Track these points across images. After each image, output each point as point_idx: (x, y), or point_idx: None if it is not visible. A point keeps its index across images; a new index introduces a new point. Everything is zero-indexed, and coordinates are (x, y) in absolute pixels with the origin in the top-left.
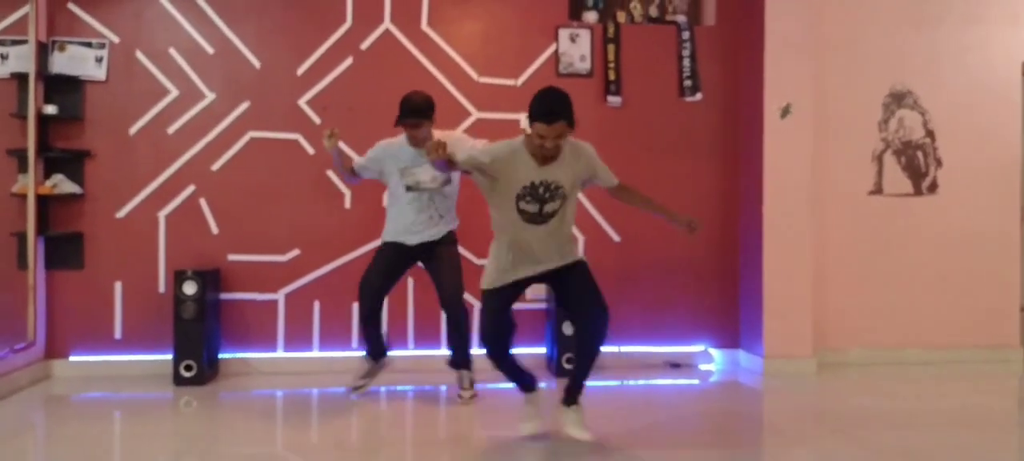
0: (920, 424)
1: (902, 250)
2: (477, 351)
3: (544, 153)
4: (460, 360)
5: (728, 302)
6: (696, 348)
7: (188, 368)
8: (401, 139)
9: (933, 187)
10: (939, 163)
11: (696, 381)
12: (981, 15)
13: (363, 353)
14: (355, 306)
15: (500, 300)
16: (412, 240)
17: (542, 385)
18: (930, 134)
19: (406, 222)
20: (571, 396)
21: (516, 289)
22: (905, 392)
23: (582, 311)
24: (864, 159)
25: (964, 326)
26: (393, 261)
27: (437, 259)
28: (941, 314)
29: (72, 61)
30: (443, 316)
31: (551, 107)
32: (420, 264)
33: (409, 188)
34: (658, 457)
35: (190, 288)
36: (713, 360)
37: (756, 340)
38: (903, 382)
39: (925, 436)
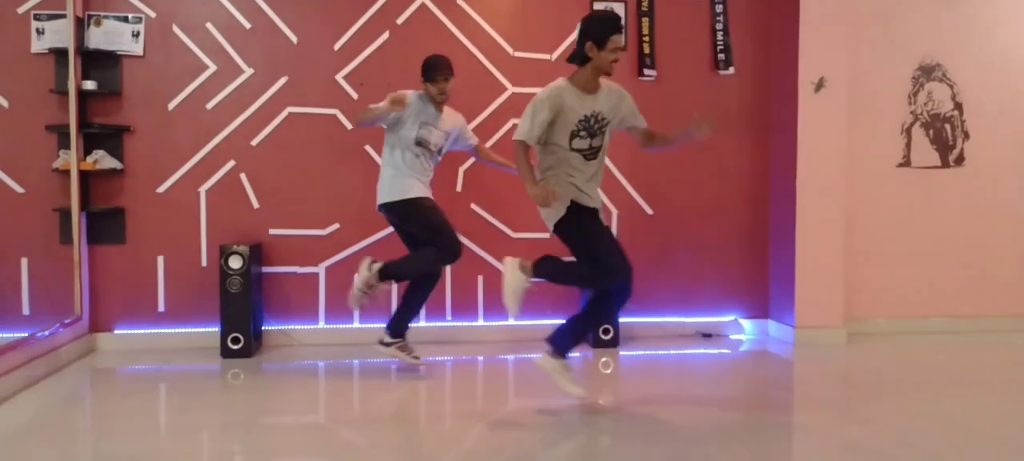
0: (952, 392)
1: (929, 221)
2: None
3: (609, 74)
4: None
5: (758, 273)
6: (727, 318)
7: (235, 341)
8: (422, 94)
9: (960, 159)
10: (966, 136)
11: (727, 351)
12: None
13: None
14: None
15: (592, 225)
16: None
17: (577, 354)
18: (958, 107)
19: (420, 176)
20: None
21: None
22: (935, 360)
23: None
24: (893, 132)
25: (988, 296)
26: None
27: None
28: (966, 284)
29: (108, 36)
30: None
31: (618, 20)
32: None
33: (418, 142)
34: (705, 420)
35: (236, 262)
36: (743, 330)
37: (787, 310)
38: (932, 351)
39: (956, 403)
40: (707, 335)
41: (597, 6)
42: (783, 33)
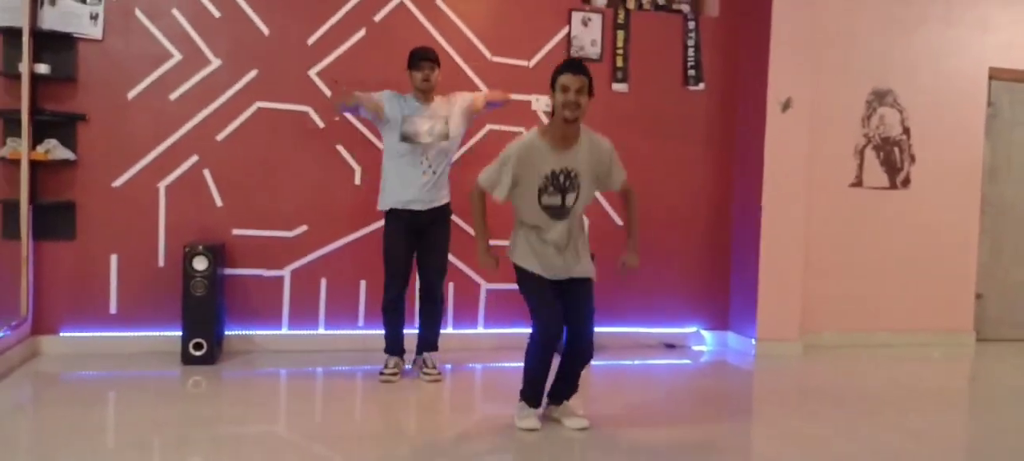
0: (904, 404)
1: (876, 240)
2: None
3: (566, 118)
4: (429, 341)
5: (719, 285)
6: (689, 329)
7: (198, 346)
8: (398, 94)
9: (906, 182)
10: (913, 159)
11: (689, 361)
12: (956, 20)
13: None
14: (363, 283)
15: (544, 287)
16: (413, 205)
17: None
18: (906, 131)
19: (404, 180)
20: (559, 398)
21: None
22: (883, 373)
23: (575, 339)
24: (847, 153)
25: (927, 312)
26: (406, 235)
27: (429, 240)
28: (907, 301)
29: (64, 17)
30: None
31: (575, 61)
32: None
33: (404, 138)
34: (672, 433)
35: (201, 264)
36: (704, 341)
37: (747, 323)
38: (878, 364)
39: (907, 419)
40: (671, 346)
41: (575, 16)
42: (752, 53)
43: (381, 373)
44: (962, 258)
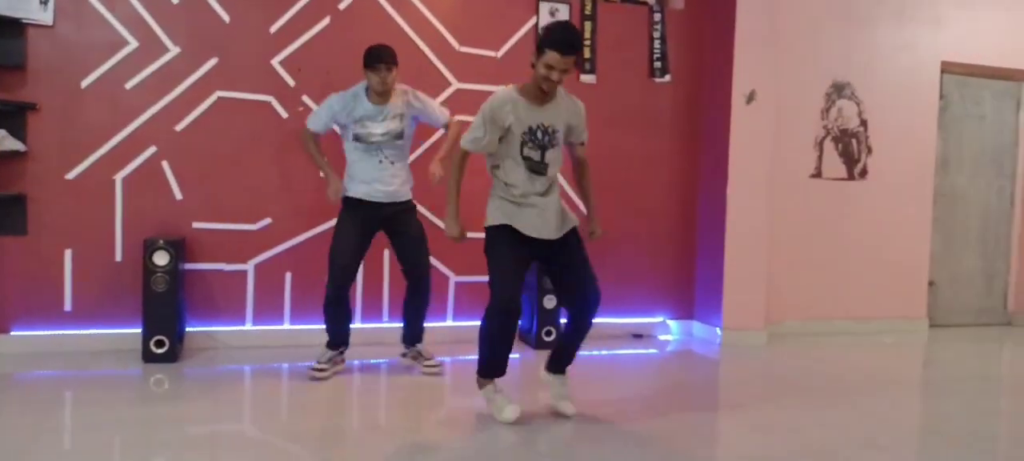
0: (868, 389)
1: (835, 229)
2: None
3: (543, 89)
4: (418, 334)
5: (684, 275)
6: (655, 319)
7: (159, 344)
8: (356, 90)
9: (863, 173)
10: (870, 150)
11: (655, 350)
12: (910, 15)
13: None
14: None
15: (510, 251)
16: (375, 196)
17: (516, 355)
18: (864, 124)
19: (364, 167)
20: (560, 365)
21: (522, 250)
22: (844, 359)
23: (578, 293)
24: (807, 144)
25: (883, 299)
26: (360, 230)
27: (402, 234)
28: (865, 289)
29: (12, 1)
30: (405, 287)
31: (571, 39)
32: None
33: (357, 138)
34: (645, 420)
35: (162, 258)
36: (670, 331)
37: (713, 312)
38: (840, 350)
39: (871, 404)
40: (638, 336)
41: (543, 6)
42: (717, 46)
43: (312, 368)
44: (916, 247)
